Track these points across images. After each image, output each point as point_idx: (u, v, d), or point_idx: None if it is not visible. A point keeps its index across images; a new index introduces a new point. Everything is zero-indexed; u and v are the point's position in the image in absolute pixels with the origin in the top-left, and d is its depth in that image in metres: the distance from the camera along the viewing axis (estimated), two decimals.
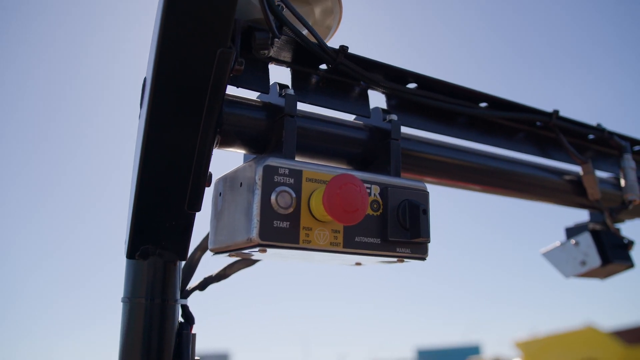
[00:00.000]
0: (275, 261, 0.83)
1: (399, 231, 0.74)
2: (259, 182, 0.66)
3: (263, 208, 0.65)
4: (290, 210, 0.67)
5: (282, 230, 0.66)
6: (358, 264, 0.82)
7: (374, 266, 0.85)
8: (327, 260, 0.77)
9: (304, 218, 0.68)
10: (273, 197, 0.66)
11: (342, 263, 0.82)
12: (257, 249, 0.66)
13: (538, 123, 1.09)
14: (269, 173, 0.67)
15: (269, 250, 0.67)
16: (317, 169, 0.70)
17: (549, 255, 1.26)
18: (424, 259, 0.77)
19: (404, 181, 0.77)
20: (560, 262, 1.24)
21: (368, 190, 0.74)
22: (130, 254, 0.72)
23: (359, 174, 0.74)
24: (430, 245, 0.77)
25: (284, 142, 0.72)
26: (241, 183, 0.70)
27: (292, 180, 0.68)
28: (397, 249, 0.74)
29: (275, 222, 0.66)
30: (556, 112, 1.06)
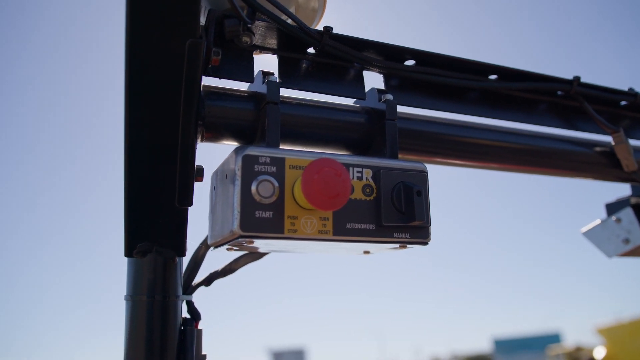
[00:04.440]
0: (273, 253, 0.82)
1: (394, 215, 0.70)
2: (238, 173, 0.65)
3: (243, 199, 0.64)
4: (273, 199, 0.65)
5: (265, 221, 0.64)
6: (367, 252, 0.79)
7: (384, 253, 0.82)
8: (327, 250, 0.75)
9: (289, 206, 0.66)
10: (254, 187, 0.64)
11: (349, 253, 0.80)
12: (244, 241, 0.65)
13: (559, 92, 1.02)
14: (249, 163, 0.65)
15: (256, 241, 0.65)
16: (300, 155, 0.68)
17: (590, 235, 1.17)
18: (425, 243, 0.73)
19: (400, 163, 0.73)
20: (601, 241, 1.15)
21: (359, 174, 0.71)
22: (127, 253, 0.73)
23: (349, 158, 0.71)
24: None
25: (267, 130, 0.71)
26: (226, 175, 0.69)
27: (274, 169, 0.66)
28: (395, 234, 0.71)
29: (257, 212, 0.64)
30: (577, 78, 0.98)
